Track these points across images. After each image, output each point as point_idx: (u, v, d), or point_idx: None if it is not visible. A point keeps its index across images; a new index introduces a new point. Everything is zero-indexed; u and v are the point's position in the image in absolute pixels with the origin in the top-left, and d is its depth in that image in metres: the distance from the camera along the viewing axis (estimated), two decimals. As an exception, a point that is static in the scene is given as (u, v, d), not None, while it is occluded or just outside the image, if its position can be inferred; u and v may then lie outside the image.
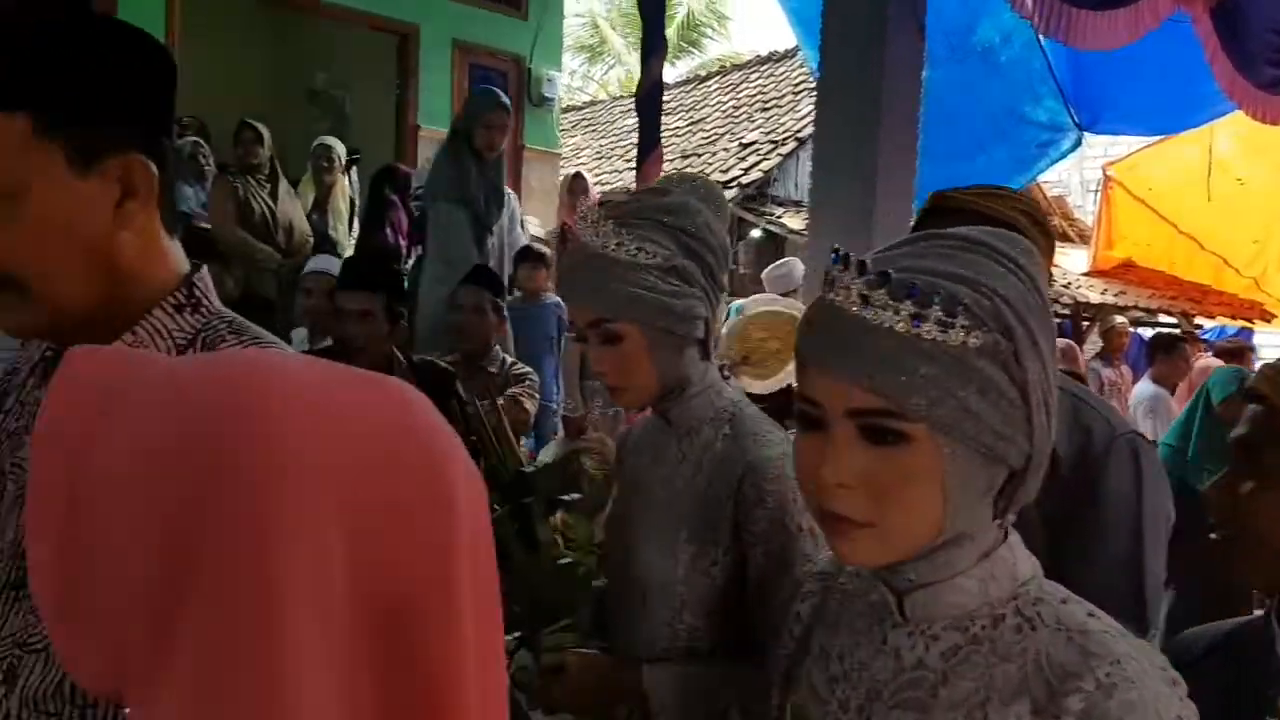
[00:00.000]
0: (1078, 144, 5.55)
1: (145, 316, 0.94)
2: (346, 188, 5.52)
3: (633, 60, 18.29)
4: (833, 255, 0.78)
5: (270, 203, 4.66)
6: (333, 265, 3.77)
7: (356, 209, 5.60)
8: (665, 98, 4.26)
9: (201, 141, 5.44)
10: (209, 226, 4.54)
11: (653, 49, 3.72)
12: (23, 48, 0.85)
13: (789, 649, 0.96)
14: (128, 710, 0.53)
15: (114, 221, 0.90)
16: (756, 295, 4.01)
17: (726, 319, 4.36)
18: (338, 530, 0.49)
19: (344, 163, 5.46)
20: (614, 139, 12.29)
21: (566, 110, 12.06)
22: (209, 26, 6.11)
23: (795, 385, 0.82)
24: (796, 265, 5.10)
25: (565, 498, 2.35)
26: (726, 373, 1.43)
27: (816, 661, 0.91)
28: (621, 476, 1.49)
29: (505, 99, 4.32)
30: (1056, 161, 5.65)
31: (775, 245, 8.34)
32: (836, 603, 0.93)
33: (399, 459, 0.53)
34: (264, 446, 0.49)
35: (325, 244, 5.00)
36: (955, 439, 0.74)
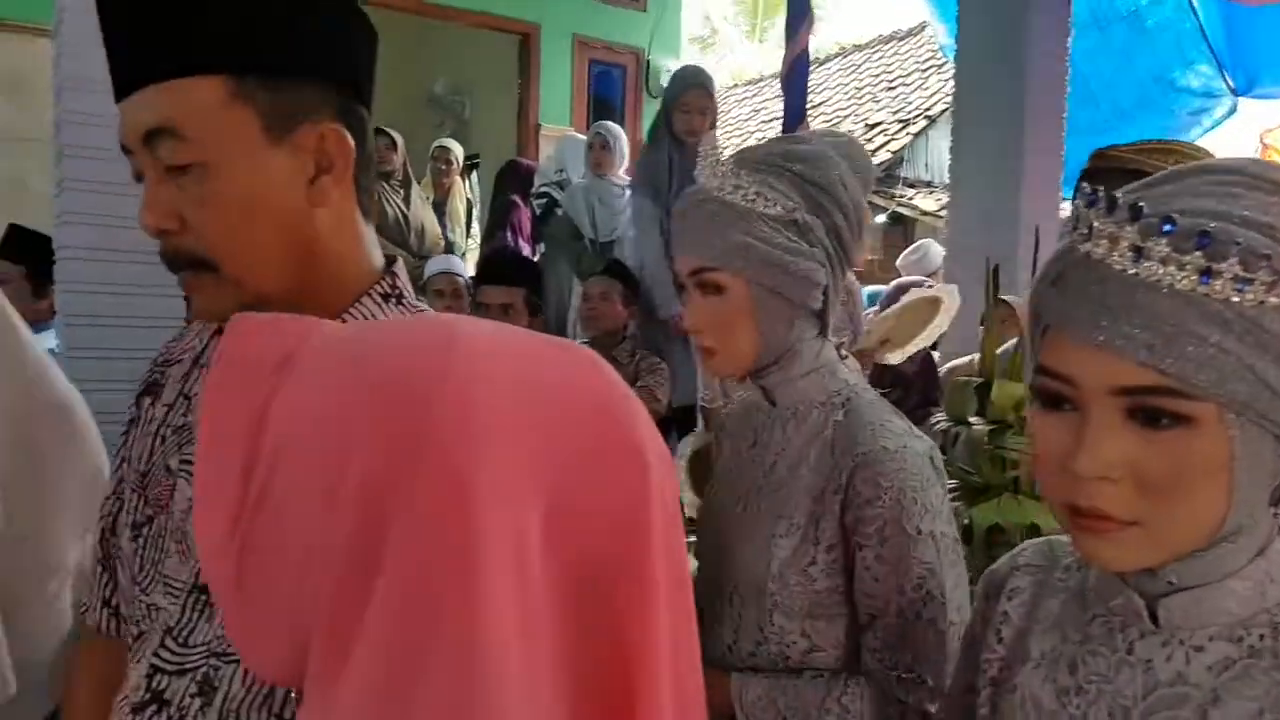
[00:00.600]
0: (1233, 110, 5.21)
1: (354, 305, 0.89)
2: (465, 190, 5.60)
3: (745, 51, 18.11)
4: (1088, 196, 0.66)
5: (404, 207, 4.77)
6: (456, 264, 3.84)
7: (475, 212, 5.67)
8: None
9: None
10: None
11: (797, 19, 3.49)
12: (217, 5, 0.79)
13: (997, 652, 0.86)
14: (302, 689, 0.51)
15: (308, 199, 0.84)
16: (901, 279, 3.85)
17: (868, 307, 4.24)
18: (534, 489, 0.49)
19: (462, 165, 5.54)
20: (729, 129, 12.18)
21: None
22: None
23: (1038, 356, 0.71)
24: (932, 248, 4.91)
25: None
26: (844, 353, 1.24)
27: (1038, 669, 0.80)
28: (718, 460, 1.34)
29: (707, 76, 3.81)
30: (1210, 130, 5.30)
31: (904, 229, 8.11)
32: (1058, 603, 0.82)
33: (590, 417, 0.52)
34: (458, 408, 0.48)
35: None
36: (1249, 420, 0.62)
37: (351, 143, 0.85)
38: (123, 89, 0.82)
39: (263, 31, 0.80)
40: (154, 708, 0.83)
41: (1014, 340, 1.94)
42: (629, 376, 3.30)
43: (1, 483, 1.18)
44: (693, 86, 3.71)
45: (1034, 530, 1.57)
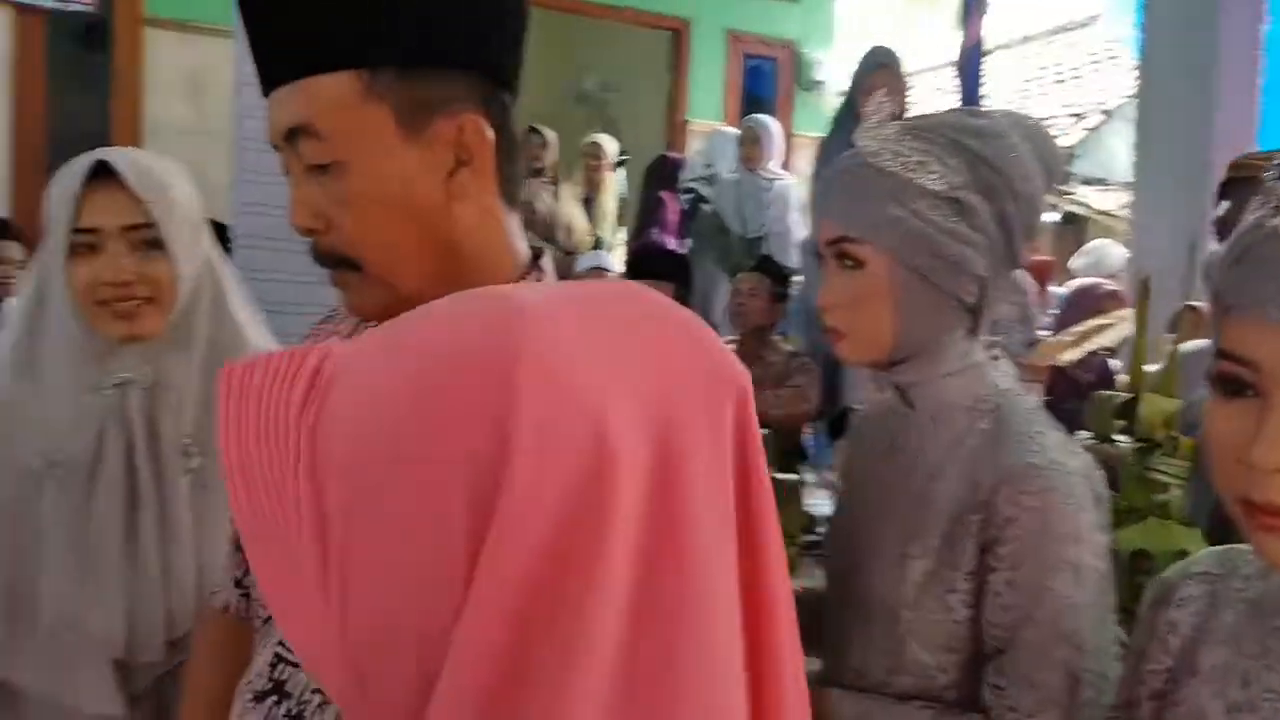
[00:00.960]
0: None
1: None
2: (615, 186, 5.63)
3: (901, 44, 17.69)
4: (1277, 167, 0.63)
5: (552, 203, 4.86)
6: (605, 260, 3.92)
7: (623, 209, 5.71)
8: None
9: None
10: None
11: (972, 8, 3.45)
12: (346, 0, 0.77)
13: (1163, 663, 0.81)
14: None
15: (446, 192, 0.81)
16: (1082, 280, 3.66)
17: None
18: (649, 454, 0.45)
19: (613, 162, 5.57)
20: (882, 124, 11.91)
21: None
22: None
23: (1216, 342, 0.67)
24: (1109, 250, 4.59)
25: (780, 477, 2.25)
26: (997, 353, 1.10)
27: (1207, 683, 0.75)
28: (851, 468, 1.22)
29: (894, 56, 3.60)
30: None
31: (1077, 228, 7.74)
32: (1234, 614, 0.76)
33: (688, 378, 0.49)
34: (549, 362, 0.44)
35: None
36: None
37: (491, 133, 0.81)
38: (265, 86, 0.82)
39: (396, 24, 0.78)
40: (274, 698, 0.82)
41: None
42: (779, 375, 3.29)
43: (195, 433, 1.27)
44: (879, 67, 3.53)
45: (1182, 557, 1.47)
